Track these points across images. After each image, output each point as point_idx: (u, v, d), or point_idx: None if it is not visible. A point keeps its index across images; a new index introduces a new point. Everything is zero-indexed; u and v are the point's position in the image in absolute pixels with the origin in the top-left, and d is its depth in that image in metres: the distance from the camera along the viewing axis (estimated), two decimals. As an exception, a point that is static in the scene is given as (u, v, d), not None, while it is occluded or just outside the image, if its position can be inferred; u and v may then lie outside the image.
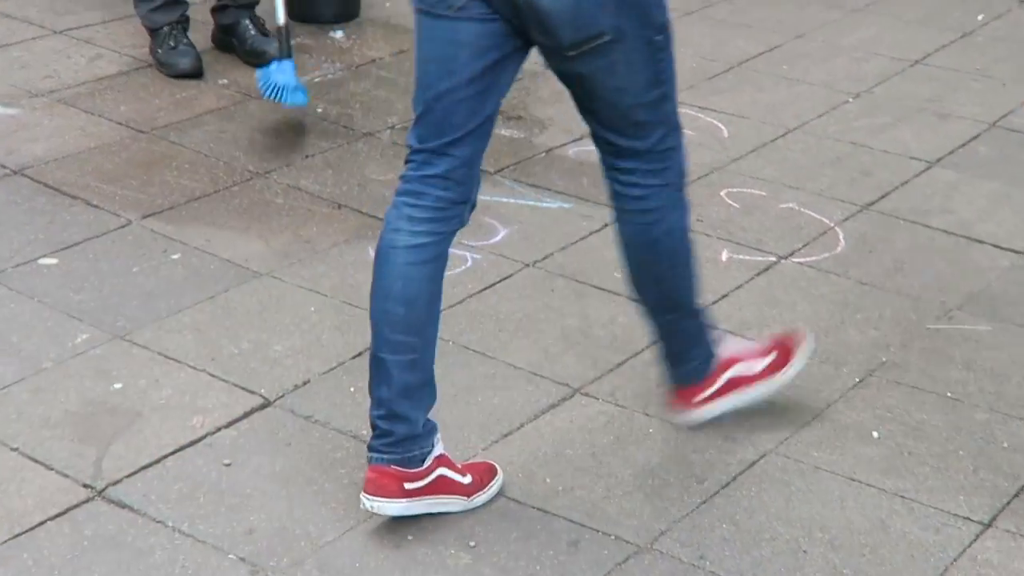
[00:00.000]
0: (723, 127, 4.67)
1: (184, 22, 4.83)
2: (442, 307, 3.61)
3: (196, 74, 4.77)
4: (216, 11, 4.97)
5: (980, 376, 3.44)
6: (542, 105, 4.76)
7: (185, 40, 4.80)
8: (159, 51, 4.79)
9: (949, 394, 3.37)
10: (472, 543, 2.85)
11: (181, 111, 4.60)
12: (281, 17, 4.46)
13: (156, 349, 3.41)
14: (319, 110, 4.66)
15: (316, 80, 4.87)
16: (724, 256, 3.92)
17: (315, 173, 4.28)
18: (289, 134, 4.49)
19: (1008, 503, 3.02)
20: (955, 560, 2.86)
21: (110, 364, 3.35)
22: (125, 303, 3.59)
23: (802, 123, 4.73)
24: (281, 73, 4.41)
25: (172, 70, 4.77)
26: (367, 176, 4.27)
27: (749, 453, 3.14)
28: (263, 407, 3.24)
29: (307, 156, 4.38)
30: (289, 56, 4.45)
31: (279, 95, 4.39)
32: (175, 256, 3.82)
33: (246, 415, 3.21)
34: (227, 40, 4.97)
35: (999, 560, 2.86)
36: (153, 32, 4.82)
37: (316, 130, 4.54)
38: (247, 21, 4.90)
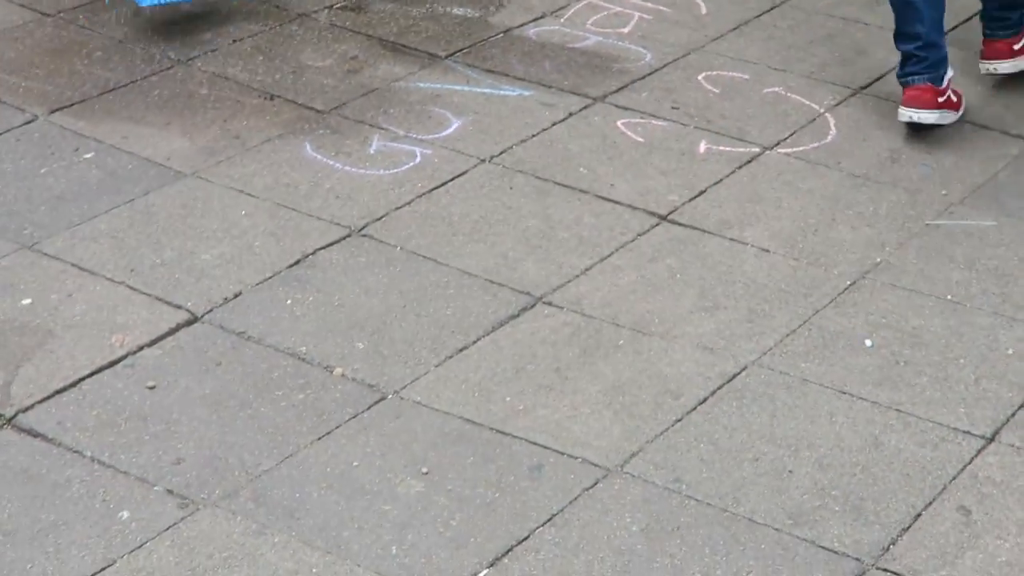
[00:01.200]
0: (701, 3, 4.67)
1: None
2: (388, 208, 3.64)
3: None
4: None
5: (983, 276, 3.48)
6: (498, -20, 4.75)
7: None
8: None
9: (949, 297, 3.42)
10: (424, 469, 2.89)
11: (91, -9, 4.57)
12: None
13: (69, 260, 3.42)
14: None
15: (243, -46, 4.84)
16: (702, 147, 3.94)
17: (244, 60, 4.26)
18: (214, 16, 4.46)
19: (1013, 415, 3.08)
20: (954, 478, 2.92)
21: (17, 277, 3.36)
22: (33, 209, 3.59)
23: (789, -3, 4.73)
24: None
25: None
26: (302, 62, 4.26)
27: (729, 365, 3.18)
28: (190, 323, 3.26)
29: (234, 41, 4.36)
30: None
31: None
32: (88, 155, 3.81)
33: (171, 332, 3.23)
34: None
35: (1002, 477, 2.92)
36: None
37: (244, 11, 4.52)
38: None
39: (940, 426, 3.04)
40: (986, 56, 4.23)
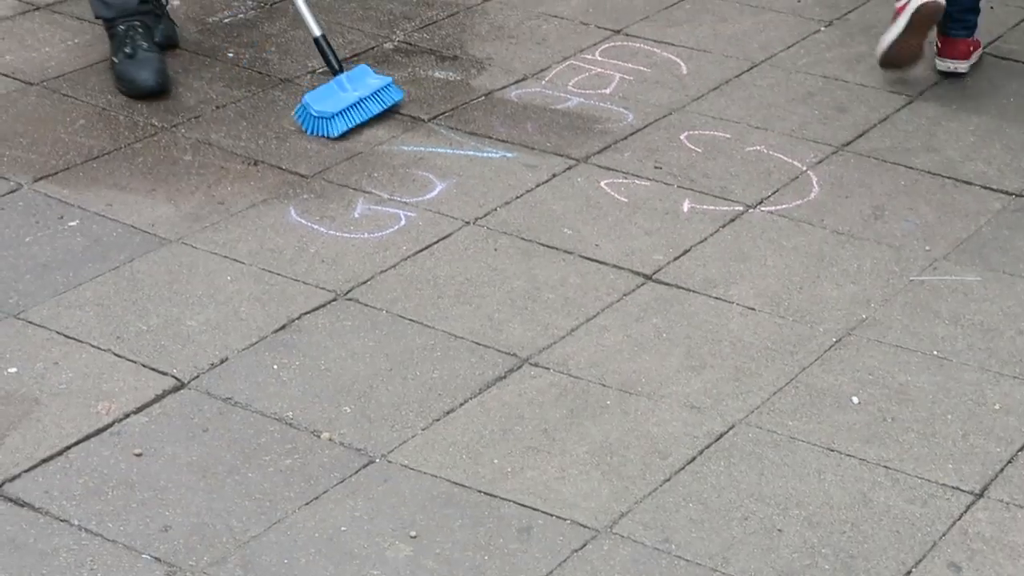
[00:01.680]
0: (681, 63, 4.70)
1: (146, 15, 4.39)
2: (373, 272, 3.64)
3: (161, 91, 4.33)
4: None
5: (969, 332, 3.49)
6: (480, 42, 4.78)
7: (145, 45, 4.34)
8: (114, 59, 4.35)
9: (935, 352, 3.43)
10: (413, 533, 2.89)
11: (75, 59, 4.59)
12: (314, 28, 4.32)
13: (54, 328, 3.42)
14: (230, 54, 4.65)
15: (226, 21, 4.86)
16: (686, 207, 3.96)
17: (227, 126, 4.28)
18: (196, 82, 4.48)
19: (1001, 470, 3.08)
20: (944, 534, 2.92)
21: (2, 346, 3.36)
22: (17, 277, 3.59)
23: (769, 55, 4.76)
24: (331, 95, 4.25)
25: (129, 88, 4.31)
26: (285, 128, 4.27)
27: (717, 424, 3.19)
28: (176, 389, 3.26)
29: (217, 107, 4.37)
30: (340, 69, 4.31)
31: (327, 125, 4.20)
32: (72, 223, 3.82)
33: (157, 399, 3.23)
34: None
35: (992, 533, 2.93)
36: (109, 29, 4.37)
37: (227, 77, 4.54)
38: None
39: (929, 482, 3.04)
40: (948, 55, 4.54)
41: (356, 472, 3.03)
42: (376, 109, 4.28)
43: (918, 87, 4.58)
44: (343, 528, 2.89)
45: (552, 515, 2.94)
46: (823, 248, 3.79)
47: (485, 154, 4.18)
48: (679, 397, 3.26)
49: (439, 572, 2.80)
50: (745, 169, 4.13)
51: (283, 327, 3.45)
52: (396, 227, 3.84)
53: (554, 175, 4.08)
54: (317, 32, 4.34)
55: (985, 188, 4.07)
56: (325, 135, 4.19)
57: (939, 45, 4.58)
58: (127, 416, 3.17)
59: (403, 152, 4.16)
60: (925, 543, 2.89)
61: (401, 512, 2.93)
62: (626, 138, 4.25)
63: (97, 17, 4.42)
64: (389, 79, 4.34)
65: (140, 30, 4.35)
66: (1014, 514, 2.97)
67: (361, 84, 4.29)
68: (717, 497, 2.99)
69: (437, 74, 4.57)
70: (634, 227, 3.86)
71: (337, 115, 4.20)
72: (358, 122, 4.23)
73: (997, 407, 3.26)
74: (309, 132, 4.20)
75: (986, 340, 3.46)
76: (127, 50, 4.33)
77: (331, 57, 4.32)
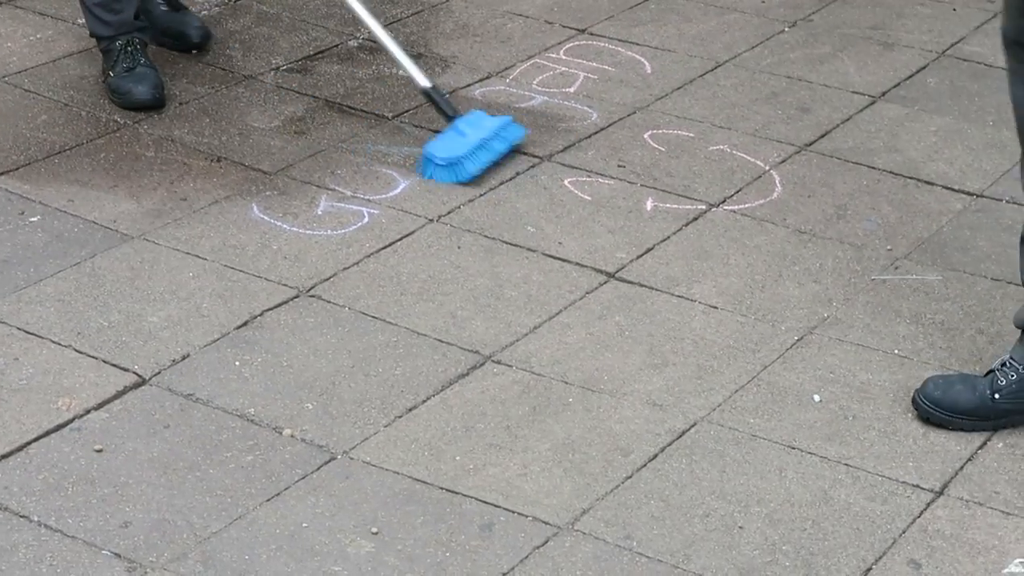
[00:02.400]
0: (646, 62, 4.71)
1: (143, 31, 4.37)
2: (336, 269, 3.64)
3: (158, 104, 4.29)
4: (166, 12, 4.57)
5: (930, 330, 3.51)
6: (444, 40, 4.78)
7: (143, 60, 4.31)
8: (111, 73, 4.30)
9: (897, 351, 3.44)
10: (374, 529, 2.89)
11: (37, 55, 4.57)
12: (422, 80, 4.18)
13: (14, 323, 3.41)
14: (194, 51, 4.64)
15: (189, 17, 4.85)
16: (649, 205, 3.96)
17: (190, 122, 4.27)
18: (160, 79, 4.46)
19: (961, 468, 3.10)
20: (904, 531, 2.93)
21: (-37, 342, 3.35)
22: (-22, 273, 3.58)
23: (733, 55, 4.78)
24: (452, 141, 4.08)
25: (125, 100, 4.27)
26: (249, 125, 4.26)
27: (678, 422, 3.20)
28: (137, 385, 3.25)
29: (181, 103, 4.36)
30: (456, 114, 4.14)
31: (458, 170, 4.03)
32: (34, 219, 3.80)
33: (118, 395, 3.22)
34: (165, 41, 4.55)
35: (952, 531, 2.94)
36: (106, 47, 4.34)
37: (190, 73, 4.53)
38: None
39: (889, 480, 3.06)
40: None
41: (318, 468, 3.03)
42: (502, 148, 4.09)
43: (881, 89, 4.60)
44: (304, 524, 2.89)
45: (514, 512, 2.94)
46: (785, 247, 3.80)
47: (449, 152, 4.17)
48: (641, 395, 3.26)
49: (401, 569, 2.80)
50: (708, 168, 4.14)
51: (245, 323, 3.44)
52: (359, 224, 3.83)
53: (518, 173, 4.08)
54: (426, 84, 4.17)
55: (946, 188, 4.09)
56: (458, 180, 4.00)
57: None
58: (88, 412, 3.15)
59: (366, 150, 4.15)
60: (885, 540, 2.91)
61: (363, 509, 2.93)
62: (590, 137, 4.26)
63: (93, 35, 4.38)
64: (508, 118, 4.16)
65: (139, 46, 4.32)
66: (974, 512, 2.99)
67: (479, 127, 4.10)
68: (679, 494, 3.00)
69: (402, 72, 4.56)
70: (597, 225, 3.86)
71: (464, 158, 4.01)
72: (488, 163, 4.06)
73: (957, 405, 3.27)
74: (439, 180, 4.01)
75: (947, 339, 3.48)
76: (126, 64, 4.28)
77: (443, 105, 4.14)
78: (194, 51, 4.57)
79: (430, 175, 4.04)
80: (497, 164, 4.09)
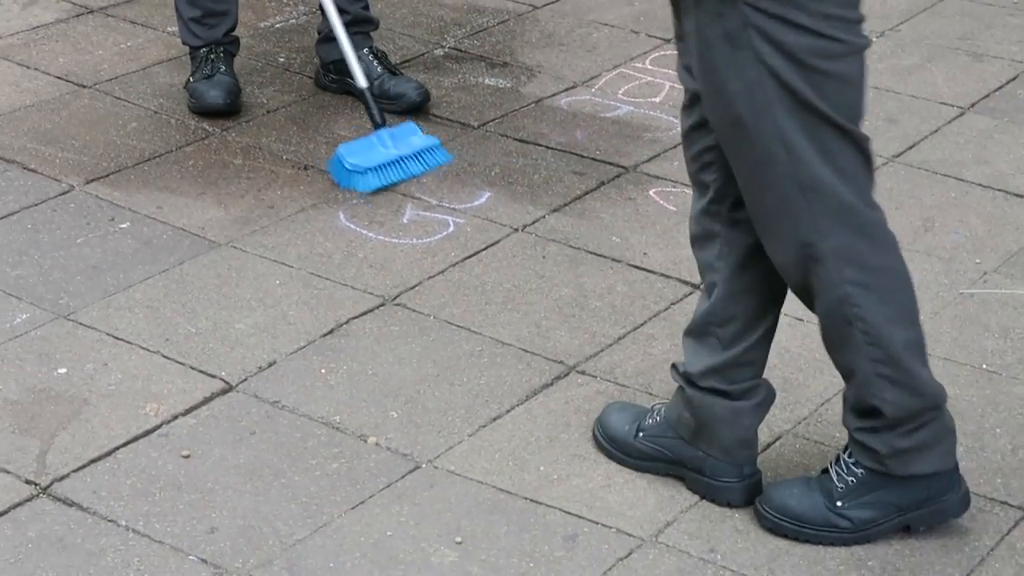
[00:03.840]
0: (732, 72, 4.68)
1: (230, 44, 4.40)
2: (421, 277, 3.65)
3: (229, 110, 4.30)
4: (321, 44, 4.46)
5: (1019, 345, 3.47)
6: (530, 50, 4.78)
7: (223, 68, 4.34)
8: (191, 79, 4.36)
9: (985, 366, 3.41)
10: (458, 539, 2.89)
11: (127, 63, 4.62)
12: (361, 79, 4.12)
13: (104, 329, 3.44)
14: (281, 59, 4.67)
15: (277, 26, 4.88)
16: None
17: (278, 130, 4.29)
18: (248, 87, 4.50)
19: (1050, 485, 3.06)
20: (992, 549, 2.90)
21: (53, 347, 3.38)
22: (69, 279, 3.61)
23: (820, 66, 4.74)
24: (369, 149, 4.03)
25: (198, 104, 4.31)
26: (336, 133, 4.28)
27: (763, 435, 3.17)
28: (224, 392, 3.27)
29: (268, 112, 4.39)
30: (382, 123, 4.09)
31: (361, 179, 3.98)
32: (123, 225, 3.83)
33: (205, 401, 3.24)
34: (340, 81, 4.42)
35: (1040, 548, 2.91)
36: (192, 52, 4.39)
37: (278, 82, 4.55)
38: (368, 54, 4.39)
39: (977, 496, 3.02)
40: None
41: (402, 477, 3.04)
42: (417, 170, 4.02)
43: (970, 100, 4.55)
44: (388, 533, 2.89)
45: (597, 523, 2.93)
46: (872, 259, 3.76)
47: (534, 161, 4.18)
48: (726, 407, 3.24)
49: (484, 578, 2.80)
50: (794, 179, 4.11)
51: (331, 331, 3.45)
52: (444, 233, 3.84)
53: (603, 183, 4.08)
54: (363, 84, 4.11)
55: (1036, 201, 4.05)
56: (355, 189, 3.97)
57: None
58: (175, 418, 3.18)
59: (452, 158, 4.16)
60: (973, 558, 2.87)
61: (447, 518, 2.93)
62: (675, 147, 4.24)
63: (184, 43, 4.43)
64: (437, 140, 4.10)
65: (222, 54, 4.35)
66: (1063, 530, 2.95)
67: (403, 142, 4.04)
68: (763, 508, 2.98)
69: (487, 81, 4.57)
70: (682, 236, 3.84)
71: (371, 170, 3.96)
72: (394, 181, 3.99)
73: (1047, 422, 3.23)
74: (341, 185, 3.99)
75: (1036, 354, 3.44)
76: (206, 71, 4.33)
77: (374, 110, 4.09)
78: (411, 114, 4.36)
79: (332, 172, 4.03)
80: (581, 174, 4.08)
